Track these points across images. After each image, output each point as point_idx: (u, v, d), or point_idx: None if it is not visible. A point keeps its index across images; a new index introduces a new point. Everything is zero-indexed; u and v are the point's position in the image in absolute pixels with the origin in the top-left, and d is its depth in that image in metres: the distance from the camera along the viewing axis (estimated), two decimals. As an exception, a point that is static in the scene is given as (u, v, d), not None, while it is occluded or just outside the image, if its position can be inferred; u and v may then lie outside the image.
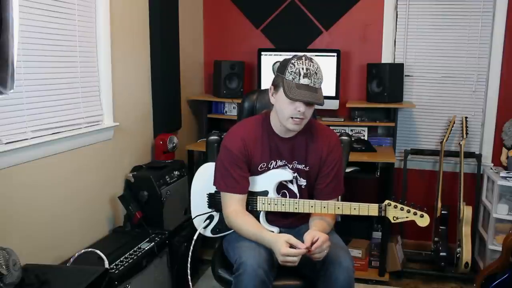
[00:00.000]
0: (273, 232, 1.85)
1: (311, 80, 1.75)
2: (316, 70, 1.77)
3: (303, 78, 1.74)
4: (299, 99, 1.74)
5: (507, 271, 2.44)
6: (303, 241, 1.70)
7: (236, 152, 1.88)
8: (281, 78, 1.79)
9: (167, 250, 2.50)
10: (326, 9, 3.47)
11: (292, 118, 1.79)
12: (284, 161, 1.93)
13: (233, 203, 1.89)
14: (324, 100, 1.81)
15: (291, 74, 1.76)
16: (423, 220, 1.82)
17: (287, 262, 1.68)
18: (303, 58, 1.78)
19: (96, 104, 2.45)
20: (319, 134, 1.96)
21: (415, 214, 1.82)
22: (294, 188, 1.96)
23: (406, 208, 1.83)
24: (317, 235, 1.68)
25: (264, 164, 1.92)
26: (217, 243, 2.17)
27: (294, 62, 1.77)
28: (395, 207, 1.82)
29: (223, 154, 1.92)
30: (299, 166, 1.94)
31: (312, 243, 1.67)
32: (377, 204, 1.83)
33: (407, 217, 1.83)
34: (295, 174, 1.94)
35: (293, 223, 1.97)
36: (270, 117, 1.94)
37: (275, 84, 1.83)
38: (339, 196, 2.02)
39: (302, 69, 1.75)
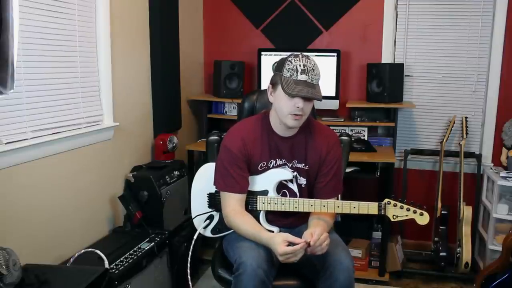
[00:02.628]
0: (272, 232, 1.85)
1: (309, 76, 1.76)
2: (313, 66, 1.79)
3: (301, 74, 1.76)
4: (298, 94, 1.75)
5: (507, 271, 2.44)
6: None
7: (236, 152, 1.88)
8: (279, 76, 1.80)
9: (167, 250, 2.50)
10: (326, 9, 3.47)
11: (291, 114, 1.79)
12: (283, 160, 1.93)
13: (232, 203, 1.89)
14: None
15: (288, 71, 1.77)
16: (423, 218, 1.82)
17: (288, 260, 1.68)
18: (300, 55, 1.80)
19: (96, 104, 2.45)
20: (318, 133, 1.96)
21: (414, 212, 1.82)
22: (294, 187, 1.96)
23: (405, 206, 1.82)
24: (314, 231, 1.69)
25: (264, 163, 1.93)
26: (217, 243, 2.17)
27: (291, 59, 1.79)
28: (395, 205, 1.82)
29: (223, 153, 1.92)
30: (299, 165, 1.94)
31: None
32: (377, 203, 1.83)
33: (406, 216, 1.83)
34: (295, 173, 1.95)
35: (293, 223, 1.97)
36: (270, 116, 1.94)
37: (273, 83, 1.85)
38: (339, 195, 2.02)
39: (300, 65, 1.76)
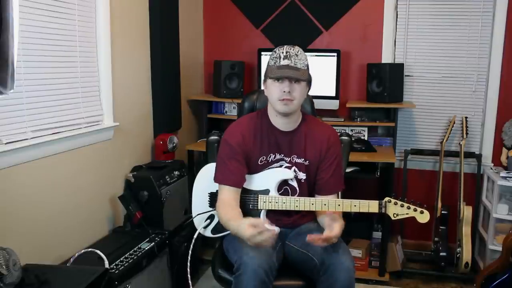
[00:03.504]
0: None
1: (291, 60, 1.82)
2: (297, 52, 1.84)
3: (283, 59, 1.83)
4: (279, 76, 1.81)
5: (507, 271, 2.44)
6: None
7: (234, 146, 1.91)
8: (267, 67, 1.88)
9: (167, 250, 2.50)
10: (326, 9, 3.47)
11: (280, 100, 1.84)
12: (282, 154, 1.95)
13: (225, 195, 1.90)
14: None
15: (273, 59, 1.86)
16: (423, 217, 1.83)
17: (260, 244, 1.66)
18: (285, 46, 1.87)
19: (96, 104, 2.45)
20: (319, 130, 1.98)
21: (415, 210, 1.83)
22: (294, 183, 1.97)
23: (406, 204, 1.84)
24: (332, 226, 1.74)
25: (263, 158, 1.94)
26: (217, 243, 2.17)
27: (276, 49, 1.87)
28: (395, 203, 1.84)
29: (222, 148, 1.95)
30: (298, 160, 1.95)
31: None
32: (377, 201, 1.84)
33: (407, 214, 1.84)
34: (294, 168, 1.95)
35: (295, 222, 1.98)
36: (268, 112, 1.97)
37: (264, 77, 1.91)
38: (339, 193, 2.02)
39: (282, 53, 1.84)
